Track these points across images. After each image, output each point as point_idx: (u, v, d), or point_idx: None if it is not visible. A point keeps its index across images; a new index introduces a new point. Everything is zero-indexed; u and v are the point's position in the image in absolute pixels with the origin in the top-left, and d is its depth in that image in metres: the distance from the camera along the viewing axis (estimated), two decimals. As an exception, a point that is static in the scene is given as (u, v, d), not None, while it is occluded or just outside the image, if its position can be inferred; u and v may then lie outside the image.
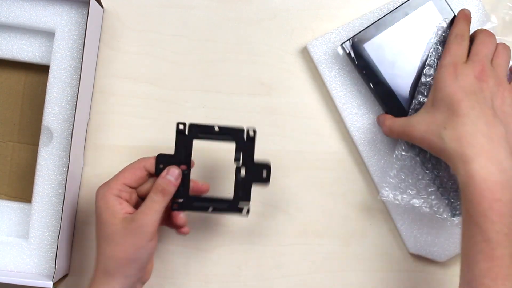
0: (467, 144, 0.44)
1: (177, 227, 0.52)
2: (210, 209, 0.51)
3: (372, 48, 0.55)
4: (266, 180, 0.50)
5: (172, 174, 0.49)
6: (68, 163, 0.54)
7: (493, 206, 0.42)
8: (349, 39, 0.55)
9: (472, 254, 0.42)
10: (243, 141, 0.50)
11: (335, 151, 0.59)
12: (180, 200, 0.51)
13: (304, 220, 0.59)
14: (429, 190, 0.54)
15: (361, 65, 0.55)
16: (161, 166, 0.50)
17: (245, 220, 0.59)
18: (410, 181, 0.54)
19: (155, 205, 0.48)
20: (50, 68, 0.57)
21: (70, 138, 0.55)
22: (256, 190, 0.51)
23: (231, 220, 0.59)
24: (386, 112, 0.56)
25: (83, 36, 0.55)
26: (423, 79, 0.53)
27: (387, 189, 0.54)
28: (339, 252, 0.59)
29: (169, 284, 0.58)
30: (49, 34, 0.58)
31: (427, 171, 0.54)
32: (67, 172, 0.54)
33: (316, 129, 0.59)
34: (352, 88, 0.58)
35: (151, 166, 0.50)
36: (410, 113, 0.53)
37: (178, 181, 0.50)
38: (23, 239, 0.57)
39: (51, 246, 0.56)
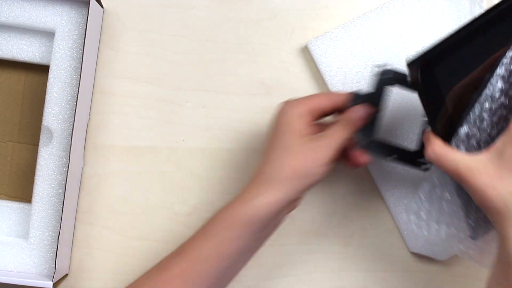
0: None
1: (354, 165, 0.52)
2: (393, 156, 0.51)
3: (441, 72, 0.44)
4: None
5: (364, 110, 0.50)
6: (68, 163, 0.54)
7: None
8: (419, 58, 0.43)
9: None
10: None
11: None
12: (366, 140, 0.51)
13: (304, 220, 0.59)
14: (451, 220, 0.52)
15: (425, 90, 0.45)
16: (354, 103, 0.50)
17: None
18: (433, 211, 0.52)
19: (340, 134, 0.48)
20: (50, 68, 0.57)
21: (70, 138, 0.55)
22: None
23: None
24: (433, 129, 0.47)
25: (83, 36, 0.55)
26: (477, 109, 0.44)
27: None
28: (339, 252, 0.59)
29: (169, 284, 0.58)
30: (49, 34, 0.58)
31: (459, 198, 0.50)
32: (67, 172, 0.54)
33: (316, 129, 0.59)
34: (353, 86, 0.58)
35: (338, 99, 0.50)
36: (453, 143, 0.44)
37: (366, 120, 0.50)
38: (23, 239, 0.57)
39: (51, 246, 0.56)
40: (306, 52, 0.60)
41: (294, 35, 0.60)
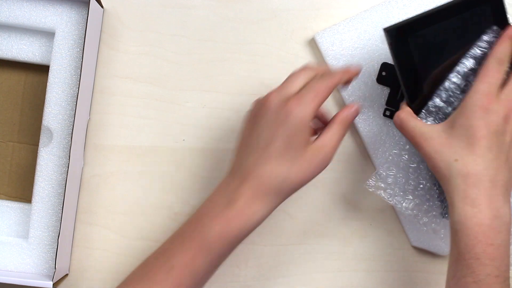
0: (473, 185, 0.43)
1: None
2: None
3: (415, 41, 0.50)
4: None
5: (358, 108, 0.49)
6: (68, 163, 0.54)
7: (486, 250, 0.42)
8: (394, 27, 0.49)
9: None
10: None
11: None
12: (393, 109, 0.57)
13: (304, 220, 0.59)
14: (417, 192, 0.53)
15: (399, 54, 0.50)
16: (383, 73, 0.57)
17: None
18: (400, 179, 0.53)
19: (339, 138, 0.47)
20: (50, 68, 0.57)
21: (70, 138, 0.55)
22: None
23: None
24: (408, 104, 0.51)
25: (83, 36, 0.55)
26: (446, 83, 0.49)
27: (373, 179, 0.54)
28: (339, 252, 0.59)
29: (169, 284, 0.58)
30: (49, 34, 0.58)
31: (424, 171, 0.53)
32: (67, 172, 0.54)
33: (316, 129, 0.59)
34: (358, 79, 0.58)
35: (339, 84, 0.48)
36: (422, 114, 0.49)
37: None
38: (23, 239, 0.57)
39: (51, 246, 0.56)
40: (306, 52, 0.60)
41: (294, 35, 0.60)
